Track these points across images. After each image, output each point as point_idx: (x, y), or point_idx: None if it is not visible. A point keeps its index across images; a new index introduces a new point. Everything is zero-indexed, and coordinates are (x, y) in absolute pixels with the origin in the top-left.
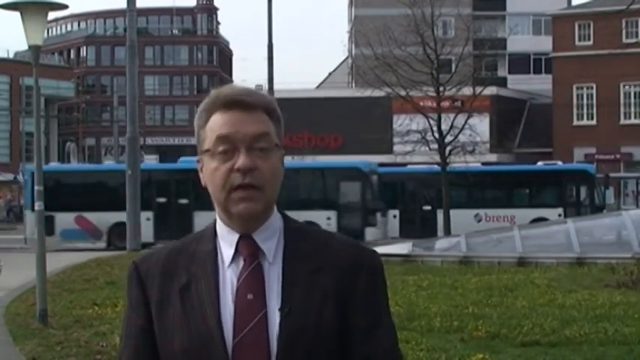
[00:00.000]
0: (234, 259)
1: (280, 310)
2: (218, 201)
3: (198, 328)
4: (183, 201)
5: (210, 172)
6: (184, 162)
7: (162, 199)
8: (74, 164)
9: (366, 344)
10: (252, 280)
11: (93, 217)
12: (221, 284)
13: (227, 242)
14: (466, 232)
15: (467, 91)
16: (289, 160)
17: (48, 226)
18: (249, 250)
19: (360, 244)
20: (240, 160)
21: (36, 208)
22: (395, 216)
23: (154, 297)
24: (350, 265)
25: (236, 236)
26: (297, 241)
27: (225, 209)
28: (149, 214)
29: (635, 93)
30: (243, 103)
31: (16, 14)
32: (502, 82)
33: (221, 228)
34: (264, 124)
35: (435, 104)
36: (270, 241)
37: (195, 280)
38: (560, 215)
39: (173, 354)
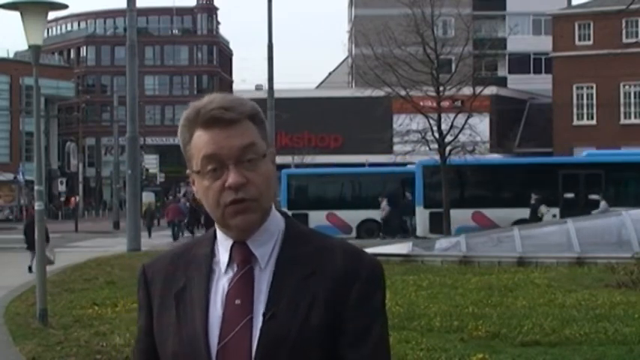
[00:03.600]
0: (229, 264)
1: (263, 314)
2: (215, 217)
3: (187, 333)
4: (594, 197)
5: (203, 190)
6: (591, 155)
7: (569, 195)
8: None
9: (350, 353)
10: (242, 286)
11: (491, 213)
12: (213, 289)
13: (223, 247)
14: None
15: (467, 90)
16: None
17: (441, 224)
18: (242, 256)
19: (361, 253)
20: (231, 178)
21: (36, 207)
22: None
23: (156, 300)
24: (346, 274)
25: (230, 242)
26: (295, 245)
27: (223, 224)
28: (555, 210)
29: (635, 93)
30: (223, 120)
31: (16, 14)
32: (502, 82)
33: (219, 233)
34: (248, 134)
35: (435, 104)
36: (266, 246)
37: (190, 284)
38: None
39: (166, 357)
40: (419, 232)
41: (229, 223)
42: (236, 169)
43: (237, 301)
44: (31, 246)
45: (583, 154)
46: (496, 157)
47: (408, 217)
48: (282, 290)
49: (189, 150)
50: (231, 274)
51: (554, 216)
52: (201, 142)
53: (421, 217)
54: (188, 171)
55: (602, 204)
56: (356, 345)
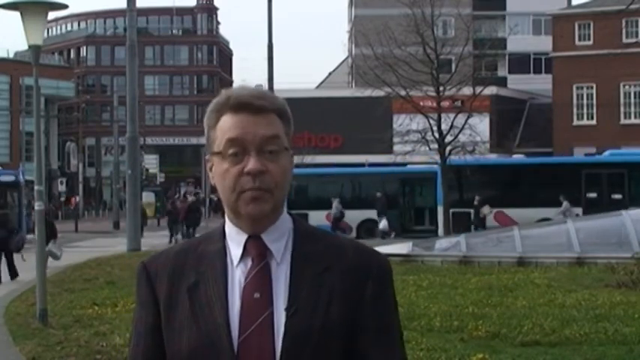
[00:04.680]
0: (242, 258)
1: (286, 309)
2: (227, 202)
3: (206, 327)
4: (617, 196)
5: (221, 174)
6: (614, 155)
7: (592, 195)
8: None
9: (374, 350)
10: (260, 280)
11: (513, 213)
12: (229, 283)
13: (235, 242)
14: None
15: (467, 90)
16: None
17: (466, 223)
18: (257, 250)
19: (370, 249)
20: (251, 164)
21: (36, 207)
22: None
23: (163, 296)
24: (359, 269)
25: (244, 236)
26: (307, 242)
27: (234, 210)
28: (578, 210)
29: (635, 93)
30: (253, 106)
31: (16, 14)
32: (502, 82)
33: (230, 228)
34: (274, 126)
35: (435, 104)
36: (279, 242)
37: (204, 280)
38: None
39: (180, 352)
40: (440, 232)
41: (241, 210)
42: (257, 156)
43: (256, 295)
44: None
45: (606, 153)
46: (519, 157)
47: (381, 217)
48: (302, 285)
49: (214, 133)
50: (245, 268)
51: (577, 215)
52: (227, 125)
53: (444, 217)
54: (207, 156)
55: (565, 204)
56: (378, 342)
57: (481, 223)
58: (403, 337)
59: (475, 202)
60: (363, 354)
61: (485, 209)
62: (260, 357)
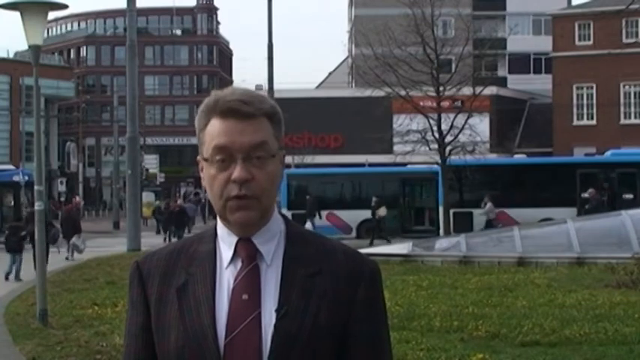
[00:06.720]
0: (232, 260)
1: (276, 311)
2: (216, 208)
3: (193, 327)
4: (628, 196)
5: (209, 179)
6: (615, 154)
7: (587, 195)
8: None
9: (364, 355)
10: (249, 281)
11: (515, 212)
12: (217, 284)
13: (226, 244)
14: None
15: (467, 91)
16: None
17: (467, 223)
18: (247, 252)
19: (360, 253)
20: (236, 172)
21: (36, 207)
22: None
23: (153, 296)
24: (350, 273)
25: (235, 238)
26: (298, 245)
27: (222, 217)
28: (573, 210)
29: (635, 93)
30: (241, 112)
31: (16, 14)
32: (502, 82)
33: (221, 230)
34: (262, 132)
35: (435, 104)
36: (270, 243)
37: (193, 280)
38: None
39: (169, 352)
40: (442, 232)
41: (229, 217)
42: (244, 164)
43: (245, 296)
44: (65, 235)
45: (607, 153)
46: (521, 157)
47: (309, 219)
48: (292, 287)
49: (203, 136)
50: (234, 269)
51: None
52: (214, 130)
53: (444, 217)
54: (199, 157)
55: (489, 205)
56: (368, 347)
57: (378, 225)
58: (391, 342)
59: (372, 204)
60: (353, 358)
61: (382, 211)
62: (246, 358)
